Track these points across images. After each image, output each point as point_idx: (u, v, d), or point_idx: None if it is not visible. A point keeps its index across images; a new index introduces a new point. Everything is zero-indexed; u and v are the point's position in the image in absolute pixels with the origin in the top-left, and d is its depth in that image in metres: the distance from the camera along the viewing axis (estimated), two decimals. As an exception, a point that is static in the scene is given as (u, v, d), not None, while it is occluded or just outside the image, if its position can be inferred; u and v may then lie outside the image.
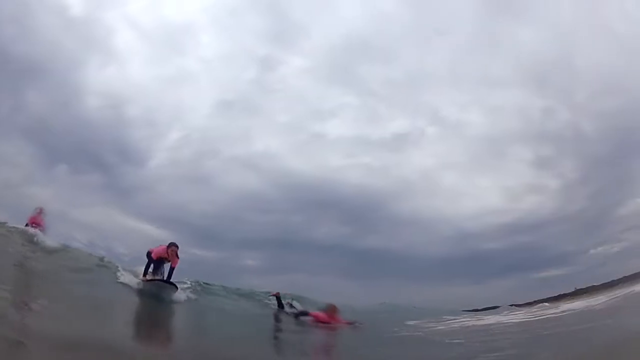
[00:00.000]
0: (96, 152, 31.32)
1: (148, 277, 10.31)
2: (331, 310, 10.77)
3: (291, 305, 12.46)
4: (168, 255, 10.39)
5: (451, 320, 13.69)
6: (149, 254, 10.55)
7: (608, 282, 25.13)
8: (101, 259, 12.62)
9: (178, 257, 10.41)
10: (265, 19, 44.31)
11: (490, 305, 22.87)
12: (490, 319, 13.76)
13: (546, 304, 22.66)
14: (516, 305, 23.02)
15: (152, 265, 10.46)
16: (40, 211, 12.60)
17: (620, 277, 25.26)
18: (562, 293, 27.93)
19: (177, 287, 10.20)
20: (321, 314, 10.67)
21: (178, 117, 42.66)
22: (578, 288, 28.91)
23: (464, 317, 15.13)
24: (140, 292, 9.79)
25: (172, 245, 10.42)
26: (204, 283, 13.65)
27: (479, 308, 22.98)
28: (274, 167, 39.87)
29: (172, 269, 10.23)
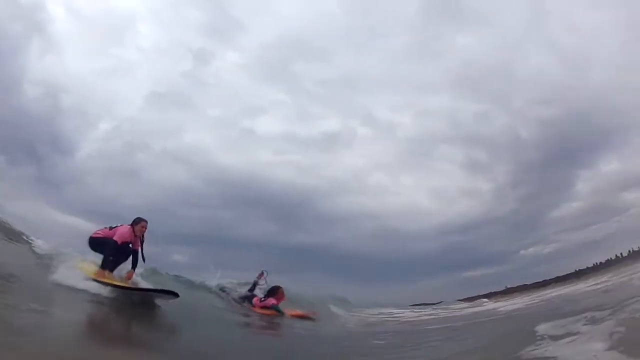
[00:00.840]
0: (32, 143, 29.61)
1: (109, 276, 6.73)
2: (277, 293, 9.91)
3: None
4: (136, 235, 7.17)
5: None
6: (108, 241, 6.92)
7: (540, 282, 26.89)
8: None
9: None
10: (204, 12, 43.34)
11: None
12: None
13: (485, 299, 24.05)
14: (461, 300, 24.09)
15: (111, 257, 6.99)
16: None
17: (553, 277, 27.24)
18: (492, 291, 29.44)
19: (177, 295, 6.57)
20: (270, 299, 9.75)
21: (110, 108, 41.21)
22: (509, 287, 30.66)
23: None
24: (109, 303, 5.98)
25: (142, 221, 7.24)
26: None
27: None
28: (205, 162, 39.06)
29: (136, 254, 7.18)
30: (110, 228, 7.26)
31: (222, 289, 10.90)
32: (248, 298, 10.26)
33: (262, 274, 10.96)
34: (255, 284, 10.79)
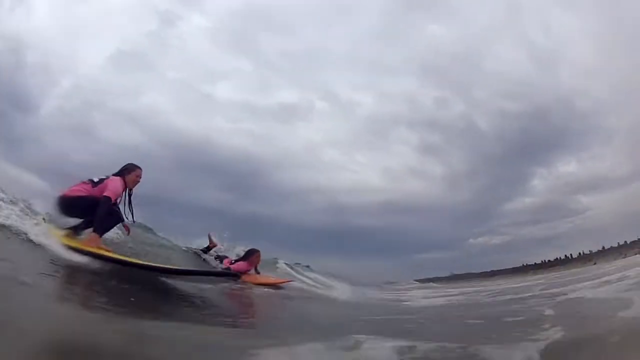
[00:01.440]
0: (-6, 100, 27.79)
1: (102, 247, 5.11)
2: (253, 256, 8.59)
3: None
4: (128, 187, 5.51)
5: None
6: (95, 200, 5.05)
7: (488, 272, 27.49)
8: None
9: None
10: (172, -28, 41.47)
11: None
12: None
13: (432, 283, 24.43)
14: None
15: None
16: None
17: (502, 268, 28.17)
18: (437, 276, 30.22)
19: (239, 276, 6.99)
20: (241, 263, 8.36)
21: (72, 66, 39.23)
22: (454, 273, 31.94)
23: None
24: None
25: (136, 168, 5.58)
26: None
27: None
28: (161, 124, 38.05)
29: (130, 199, 5.53)
30: (93, 183, 5.16)
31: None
32: (220, 258, 8.93)
33: (212, 241, 9.69)
34: (208, 249, 9.64)
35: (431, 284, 24.34)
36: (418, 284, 23.46)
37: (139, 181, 5.52)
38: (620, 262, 15.63)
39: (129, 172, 5.41)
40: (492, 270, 28.28)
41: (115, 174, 5.29)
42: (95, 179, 5.18)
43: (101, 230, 4.96)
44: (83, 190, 5.08)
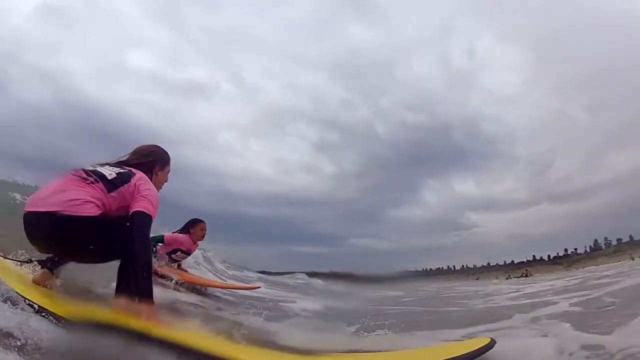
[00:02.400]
0: None
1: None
2: (196, 228, 5.65)
3: None
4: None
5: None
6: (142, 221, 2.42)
7: (373, 276, 25.71)
8: None
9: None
10: None
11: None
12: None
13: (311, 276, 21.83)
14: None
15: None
16: None
17: (384, 274, 26.82)
18: (316, 271, 29.35)
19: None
20: (182, 237, 5.58)
21: None
22: (334, 271, 31.47)
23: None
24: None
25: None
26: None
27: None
28: (70, 86, 37.44)
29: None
30: (110, 184, 2.51)
31: None
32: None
33: None
34: None
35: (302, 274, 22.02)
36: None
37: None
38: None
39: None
40: (379, 275, 27.03)
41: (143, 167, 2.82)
42: (110, 172, 2.53)
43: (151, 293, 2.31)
44: (98, 203, 2.37)
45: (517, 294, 8.63)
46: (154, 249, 5.23)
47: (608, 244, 54.51)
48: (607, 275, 10.30)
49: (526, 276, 32.85)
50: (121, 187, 2.44)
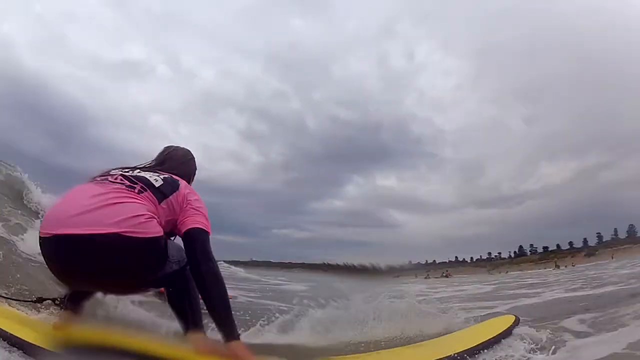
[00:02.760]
0: None
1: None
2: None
3: None
4: None
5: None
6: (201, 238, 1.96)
7: (286, 262, 27.43)
8: None
9: None
10: None
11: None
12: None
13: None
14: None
15: None
16: None
17: (300, 262, 27.24)
18: (237, 260, 30.00)
19: None
20: None
21: None
22: (254, 259, 30.56)
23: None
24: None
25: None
26: None
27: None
28: (7, 56, 35.68)
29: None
30: (156, 191, 1.93)
31: None
32: None
33: None
34: None
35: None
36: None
37: None
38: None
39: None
40: (289, 262, 27.90)
41: (179, 173, 2.19)
42: (156, 179, 1.99)
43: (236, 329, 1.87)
44: (158, 219, 1.83)
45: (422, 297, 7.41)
46: None
47: (534, 250, 56.96)
48: (530, 284, 10.32)
49: (446, 277, 33.09)
50: (170, 197, 1.92)
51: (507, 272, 33.77)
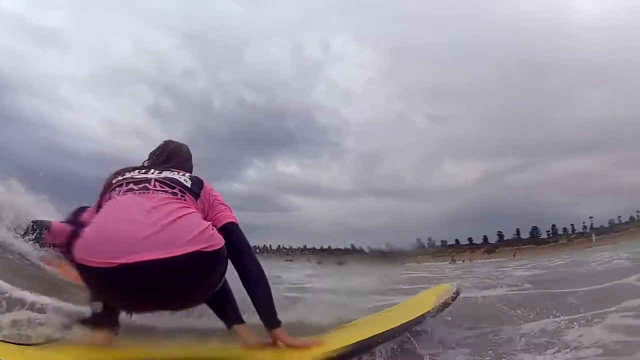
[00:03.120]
0: None
1: None
2: None
3: None
4: None
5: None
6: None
7: None
8: None
9: None
10: None
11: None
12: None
13: None
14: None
15: None
16: None
17: None
18: None
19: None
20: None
21: None
22: None
23: None
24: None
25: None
26: None
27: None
28: None
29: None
30: (191, 193, 1.87)
31: None
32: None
33: None
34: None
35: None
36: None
37: None
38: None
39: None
40: None
41: (186, 170, 2.07)
42: (185, 179, 1.89)
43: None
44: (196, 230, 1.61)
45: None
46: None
47: (431, 244, 59.53)
48: (423, 277, 10.07)
49: (340, 264, 32.46)
50: (201, 196, 1.87)
51: (403, 263, 34.39)
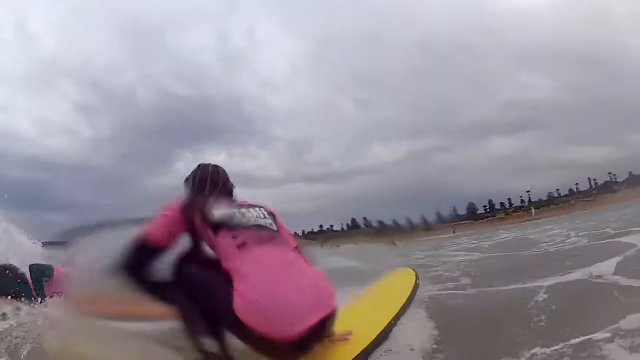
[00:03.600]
0: None
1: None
2: None
3: None
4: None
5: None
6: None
7: None
8: None
9: None
10: None
11: None
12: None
13: None
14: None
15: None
16: None
17: None
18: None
19: None
20: None
21: None
22: None
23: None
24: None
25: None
26: None
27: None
28: None
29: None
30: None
31: None
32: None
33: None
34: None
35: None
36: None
37: None
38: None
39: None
40: None
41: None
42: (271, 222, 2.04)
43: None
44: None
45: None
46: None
47: (368, 224, 56.97)
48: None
49: None
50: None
51: (338, 245, 31.08)
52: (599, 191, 52.74)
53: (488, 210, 60.39)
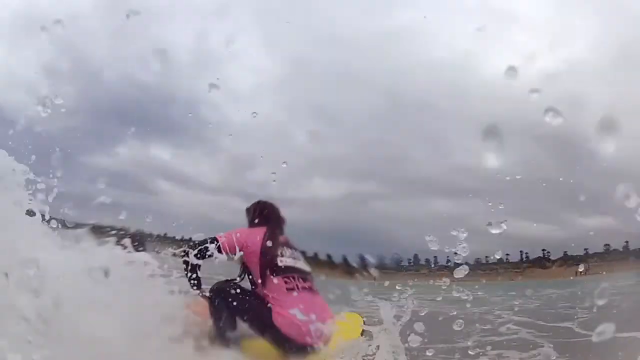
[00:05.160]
0: None
1: None
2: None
3: None
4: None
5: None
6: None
7: None
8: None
9: None
10: None
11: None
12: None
13: None
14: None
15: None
16: None
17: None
18: None
19: None
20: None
21: None
22: None
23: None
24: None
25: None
26: None
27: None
28: None
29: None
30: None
31: None
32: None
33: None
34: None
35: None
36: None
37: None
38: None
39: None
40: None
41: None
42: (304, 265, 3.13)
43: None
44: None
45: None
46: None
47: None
48: None
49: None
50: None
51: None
52: (530, 265, 51.72)
53: (412, 263, 57.78)
